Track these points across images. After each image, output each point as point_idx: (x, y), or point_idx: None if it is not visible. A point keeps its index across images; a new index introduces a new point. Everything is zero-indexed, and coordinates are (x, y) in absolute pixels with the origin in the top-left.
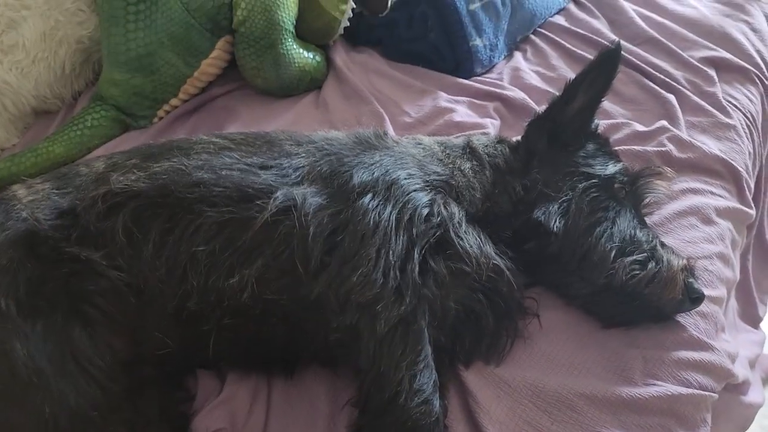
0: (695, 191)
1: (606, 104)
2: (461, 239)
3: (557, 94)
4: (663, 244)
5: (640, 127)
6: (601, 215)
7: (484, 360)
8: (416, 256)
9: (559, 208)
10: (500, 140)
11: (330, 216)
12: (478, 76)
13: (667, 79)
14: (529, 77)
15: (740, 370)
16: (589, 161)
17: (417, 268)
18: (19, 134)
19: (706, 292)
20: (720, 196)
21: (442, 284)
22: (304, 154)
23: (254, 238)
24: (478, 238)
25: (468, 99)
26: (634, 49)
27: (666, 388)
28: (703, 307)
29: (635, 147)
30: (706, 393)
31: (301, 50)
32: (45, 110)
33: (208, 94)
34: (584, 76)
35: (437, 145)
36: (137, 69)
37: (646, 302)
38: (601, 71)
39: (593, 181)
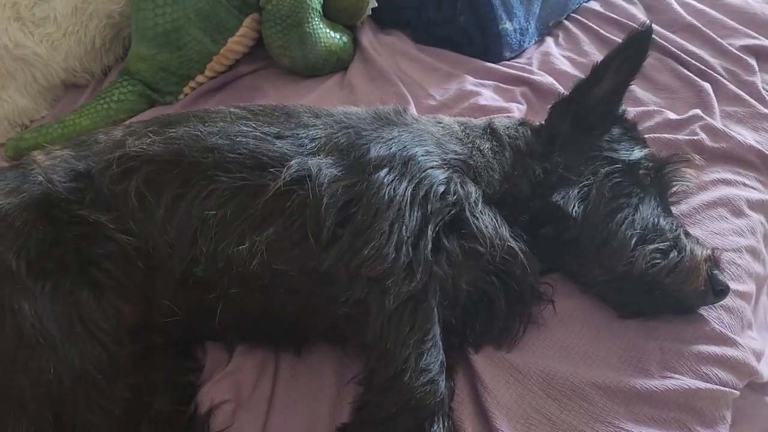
0: (727, 182)
1: (639, 91)
2: (476, 219)
3: (583, 77)
4: (687, 234)
5: (672, 115)
6: (623, 201)
7: (496, 345)
8: (430, 233)
9: (579, 192)
10: (522, 122)
11: (344, 188)
12: (507, 60)
13: (704, 67)
14: (560, 62)
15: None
16: (614, 146)
17: (430, 246)
18: (48, 106)
19: (733, 285)
20: (753, 188)
21: (454, 263)
22: (321, 126)
23: (267, 205)
24: (493, 219)
25: (494, 83)
26: (671, 35)
27: (683, 381)
28: (729, 301)
29: (666, 135)
30: (727, 389)
31: (328, 30)
32: (74, 83)
33: (234, 72)
34: (612, 59)
35: (457, 125)
36: (164, 44)
37: (667, 293)
38: (629, 54)
39: (617, 166)
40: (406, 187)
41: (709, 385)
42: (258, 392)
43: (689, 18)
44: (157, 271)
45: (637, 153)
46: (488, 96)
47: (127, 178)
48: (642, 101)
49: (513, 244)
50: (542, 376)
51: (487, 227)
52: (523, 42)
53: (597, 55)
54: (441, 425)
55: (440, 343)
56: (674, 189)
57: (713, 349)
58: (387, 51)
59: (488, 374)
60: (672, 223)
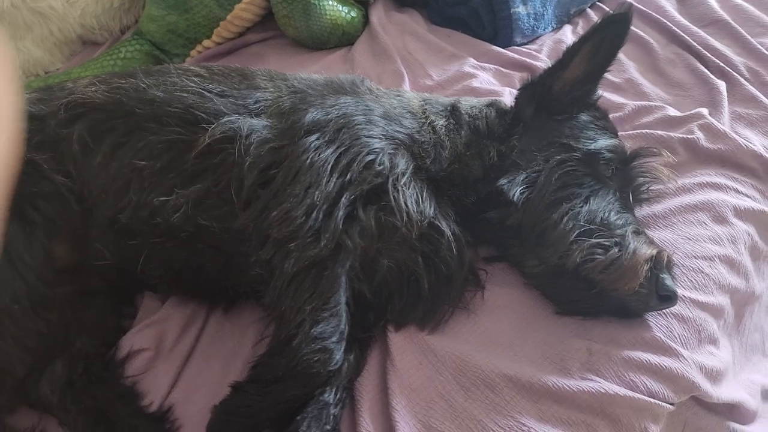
0: (716, 186)
1: (647, 85)
2: (397, 192)
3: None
4: (639, 232)
5: (673, 112)
6: (572, 191)
7: (419, 325)
8: (344, 201)
9: (525, 178)
10: (491, 103)
11: (271, 150)
12: (518, 45)
13: (724, 65)
14: None
15: (740, 394)
16: (576, 133)
17: (341, 213)
18: (64, 59)
19: (691, 294)
20: (747, 195)
21: (367, 235)
22: (272, 89)
23: (197, 161)
24: (418, 195)
25: (495, 67)
26: (696, 29)
27: (602, 385)
28: (685, 310)
29: (659, 131)
30: (654, 401)
31: (335, 3)
32: (92, 40)
33: (242, 40)
34: (583, 42)
35: (418, 100)
36: (173, 6)
37: (606, 293)
38: (605, 38)
39: (573, 154)
40: (331, 153)
41: (631, 393)
42: (179, 345)
43: (721, 13)
44: (89, 215)
45: (601, 143)
46: (484, 79)
47: (72, 123)
48: (648, 96)
49: (440, 223)
50: (456, 362)
51: (406, 201)
52: (537, 28)
53: None
54: (332, 396)
55: (343, 314)
56: (641, 184)
57: (647, 357)
58: (396, 29)
59: (401, 353)
60: (625, 220)
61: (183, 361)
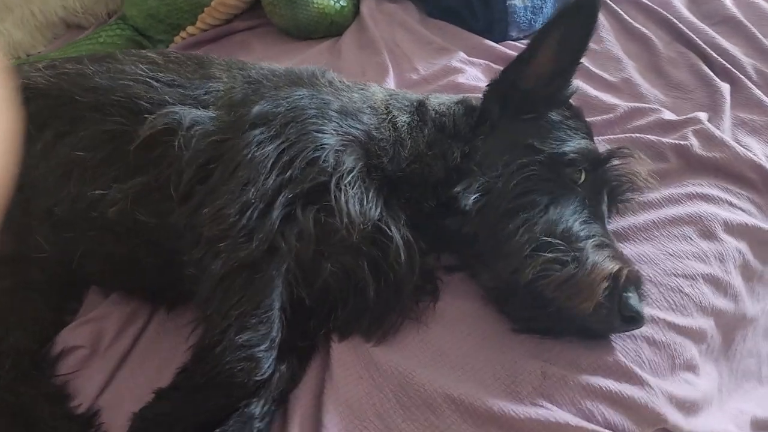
0: (706, 198)
1: (645, 86)
2: (340, 192)
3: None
4: (604, 245)
5: (668, 116)
6: (531, 199)
7: (365, 335)
8: (282, 199)
9: (481, 184)
10: (461, 101)
11: (212, 143)
12: (513, 40)
13: (729, 66)
14: None
15: (723, 426)
16: (543, 134)
17: (278, 214)
18: (46, 42)
19: (667, 316)
20: (742, 209)
21: (305, 237)
22: (226, 79)
23: (137, 154)
24: (363, 195)
25: (486, 62)
26: (703, 27)
27: (552, 413)
28: (658, 333)
29: (649, 136)
30: None
31: None
32: (77, 24)
33: (229, 27)
34: (547, 33)
35: (383, 95)
36: None
37: (563, 311)
38: (572, 27)
39: (537, 157)
40: (274, 149)
41: (585, 424)
42: (116, 344)
43: (734, 10)
44: (28, 204)
45: (570, 145)
46: (471, 75)
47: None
48: (644, 97)
49: (387, 227)
50: (399, 378)
51: (349, 202)
52: (535, 21)
53: (612, 43)
54: (259, 408)
55: (275, 321)
56: (618, 191)
57: (607, 384)
58: (386, 20)
59: (341, 366)
60: (589, 231)
61: (118, 362)
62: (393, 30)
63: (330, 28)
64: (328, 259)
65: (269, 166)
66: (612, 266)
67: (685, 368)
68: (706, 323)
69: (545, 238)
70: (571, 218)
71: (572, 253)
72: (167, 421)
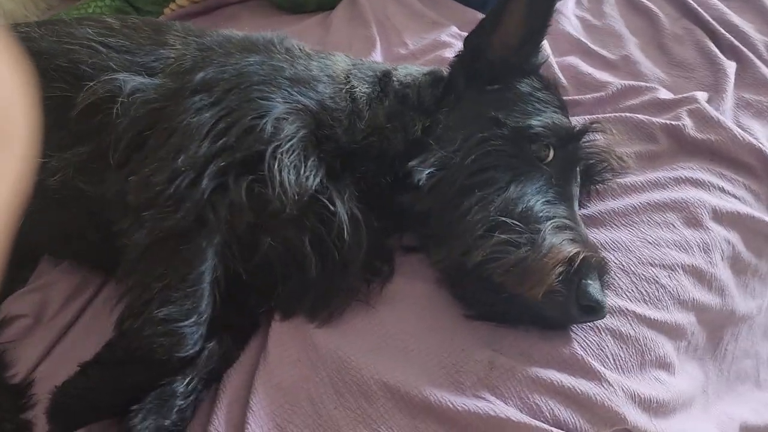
0: (696, 183)
1: (646, 64)
2: (275, 160)
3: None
4: (565, 228)
5: (664, 95)
6: (489, 176)
7: (309, 315)
8: (213, 168)
9: (437, 159)
10: (431, 72)
11: (151, 111)
12: None
13: (738, 43)
14: (567, 23)
15: (704, 429)
16: (508, 106)
17: (209, 183)
18: (39, 13)
19: (638, 308)
20: (734, 196)
21: (236, 208)
22: (180, 46)
23: (80, 121)
24: (300, 164)
25: None
26: (714, 2)
27: (494, 407)
28: (626, 326)
29: (639, 116)
30: None
31: None
32: None
33: (219, 0)
34: None
35: (344, 64)
36: None
37: (515, 297)
38: None
39: (499, 131)
40: (212, 115)
41: (528, 420)
42: (62, 315)
43: None
44: None
45: (537, 119)
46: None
47: None
48: (643, 75)
49: (330, 200)
50: (337, 363)
51: (283, 171)
52: None
53: (615, 19)
54: (183, 386)
55: (205, 295)
56: (593, 170)
57: (560, 378)
58: None
59: (279, 346)
60: (552, 213)
61: (60, 333)
62: (385, 3)
63: (322, 1)
64: (267, 232)
65: (204, 133)
66: (570, 249)
67: (656, 366)
68: (684, 318)
69: (501, 217)
70: (533, 198)
71: (527, 235)
72: (88, 396)
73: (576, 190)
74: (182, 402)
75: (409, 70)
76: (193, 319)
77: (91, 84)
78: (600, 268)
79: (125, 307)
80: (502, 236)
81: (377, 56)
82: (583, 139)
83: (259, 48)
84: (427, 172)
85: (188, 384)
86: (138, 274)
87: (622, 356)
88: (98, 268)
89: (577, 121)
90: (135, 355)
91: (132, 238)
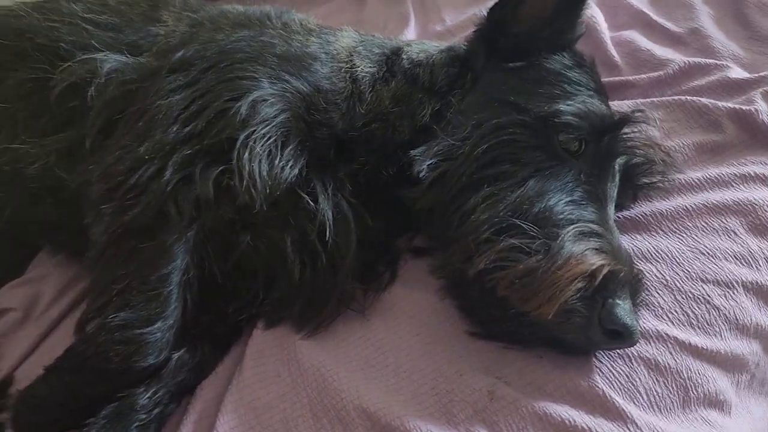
0: (767, 181)
1: (719, 38)
2: (246, 149)
3: None
4: (591, 234)
5: (736, 74)
6: (503, 170)
7: (296, 325)
8: (178, 157)
9: (443, 148)
10: (449, 48)
11: (125, 93)
12: None
13: None
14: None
15: None
16: (532, 89)
17: (173, 173)
18: None
19: (681, 333)
20: None
21: (202, 203)
22: (171, 23)
23: (60, 105)
24: (277, 153)
25: None
26: None
27: None
28: (665, 355)
29: (703, 99)
30: None
31: None
32: None
33: None
34: None
35: (349, 40)
36: None
37: (524, 315)
38: None
39: (519, 117)
40: (184, 98)
41: None
42: (53, 309)
43: None
44: None
45: (567, 104)
46: None
47: None
48: (714, 52)
49: (311, 196)
50: (319, 381)
51: (253, 161)
52: None
53: None
54: (146, 398)
55: (172, 299)
56: (637, 167)
57: (573, 416)
58: None
59: (258, 359)
60: (577, 215)
61: (48, 329)
62: None
63: None
64: (245, 230)
65: (173, 117)
66: (592, 261)
67: (704, 404)
68: (744, 346)
69: (512, 218)
70: (555, 196)
71: (542, 240)
72: (46, 405)
73: (612, 190)
74: (144, 416)
75: (425, 47)
76: (156, 326)
77: (69, 64)
78: (632, 285)
79: (84, 309)
80: (511, 241)
81: (410, 34)
82: (624, 130)
83: (252, 23)
84: (428, 162)
85: (152, 396)
86: (97, 273)
87: (659, 392)
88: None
89: (628, 106)
90: (91, 362)
91: (92, 234)
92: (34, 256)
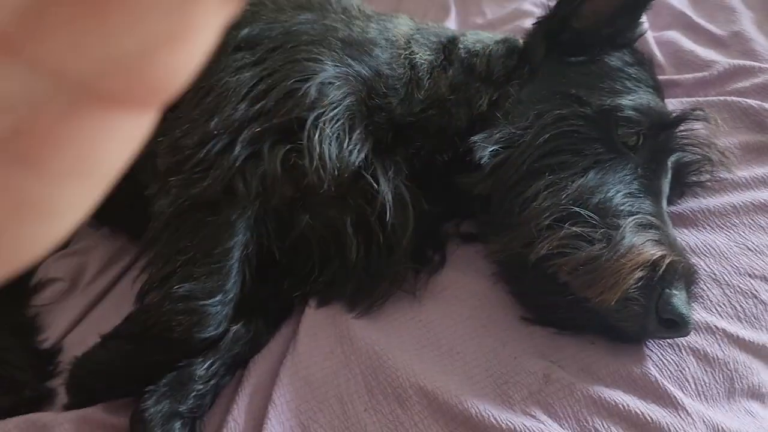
0: None
1: (761, 42)
2: (317, 129)
3: None
4: (650, 226)
5: None
6: (564, 160)
7: (348, 304)
8: (248, 134)
9: (504, 136)
10: (504, 40)
11: None
12: None
13: None
14: None
15: None
16: (593, 83)
17: (242, 149)
18: None
19: (730, 326)
20: None
21: (269, 180)
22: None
23: None
24: (345, 137)
25: None
26: None
27: (544, 427)
28: (714, 346)
29: (749, 100)
30: None
31: None
32: None
33: None
34: None
35: (407, 28)
36: None
37: (583, 301)
38: None
39: (581, 110)
40: (252, 76)
41: None
42: (98, 281)
43: None
44: None
45: (628, 99)
46: None
47: None
48: (757, 55)
49: (374, 178)
50: (373, 359)
51: (323, 142)
52: None
53: None
54: (203, 369)
55: (233, 273)
56: (689, 163)
57: (627, 401)
58: None
59: (311, 336)
60: (635, 207)
61: (95, 300)
62: None
63: None
64: (306, 209)
65: (242, 94)
66: (653, 252)
67: (748, 395)
68: None
69: (574, 207)
70: (614, 188)
71: (604, 230)
72: (105, 372)
73: (666, 186)
74: (201, 387)
75: (480, 37)
76: (217, 298)
77: None
78: (688, 277)
79: (146, 279)
80: (574, 229)
81: (451, 26)
82: (680, 128)
83: (313, 6)
84: (491, 149)
85: (209, 368)
86: (161, 244)
87: (706, 381)
88: (134, 235)
89: (673, 104)
90: (152, 331)
91: (157, 205)
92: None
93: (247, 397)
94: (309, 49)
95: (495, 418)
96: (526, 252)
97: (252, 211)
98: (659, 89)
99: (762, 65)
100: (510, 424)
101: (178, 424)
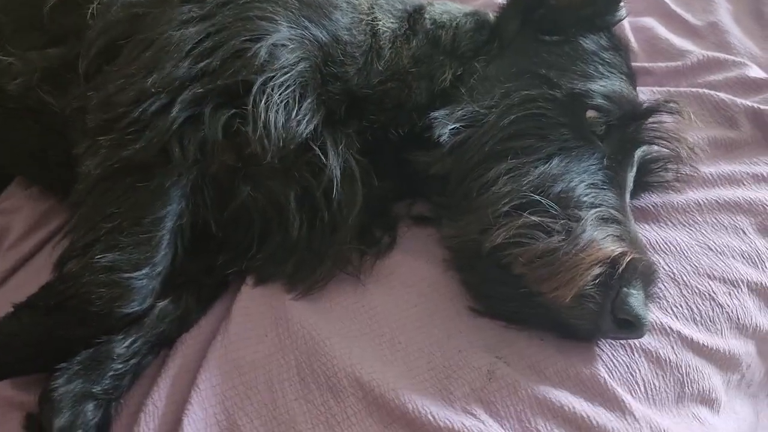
0: None
1: (736, 34)
2: (264, 95)
3: None
4: (611, 220)
5: (755, 73)
6: (528, 144)
7: (288, 284)
8: (188, 94)
9: (467, 114)
10: (473, 13)
11: (131, 16)
12: None
13: None
14: None
15: None
16: (565, 64)
17: (180, 110)
18: None
19: (685, 328)
20: None
21: (208, 146)
22: None
23: (54, 20)
24: (294, 105)
25: None
26: None
27: (484, 427)
28: (667, 348)
29: (722, 94)
30: None
31: None
32: None
33: None
34: None
35: None
36: None
37: (538, 295)
38: None
39: (550, 92)
40: (198, 31)
41: None
42: (24, 243)
43: None
44: None
45: (599, 84)
46: None
47: None
48: (731, 48)
49: (321, 151)
50: (309, 344)
51: (270, 110)
52: None
53: None
54: (123, 347)
55: (163, 245)
56: (655, 157)
57: (573, 403)
58: None
59: (245, 317)
60: (598, 199)
61: (17, 265)
62: None
63: None
64: (247, 180)
65: (185, 50)
66: (613, 248)
67: (697, 401)
68: (741, 346)
69: (534, 195)
70: (578, 177)
71: (564, 221)
72: (14, 344)
73: (630, 179)
74: (120, 366)
75: (448, 8)
76: (143, 272)
77: None
78: (647, 276)
79: (67, 246)
80: (533, 218)
81: None
82: (650, 119)
83: None
84: (451, 127)
85: (130, 346)
86: (85, 209)
87: (656, 385)
88: (64, 197)
89: (644, 93)
90: (70, 303)
91: (84, 165)
92: (5, 187)
93: (170, 379)
94: (263, 6)
95: (433, 416)
96: (481, 239)
97: (188, 178)
98: (632, 77)
99: (736, 59)
100: (448, 422)
101: (90, 406)
